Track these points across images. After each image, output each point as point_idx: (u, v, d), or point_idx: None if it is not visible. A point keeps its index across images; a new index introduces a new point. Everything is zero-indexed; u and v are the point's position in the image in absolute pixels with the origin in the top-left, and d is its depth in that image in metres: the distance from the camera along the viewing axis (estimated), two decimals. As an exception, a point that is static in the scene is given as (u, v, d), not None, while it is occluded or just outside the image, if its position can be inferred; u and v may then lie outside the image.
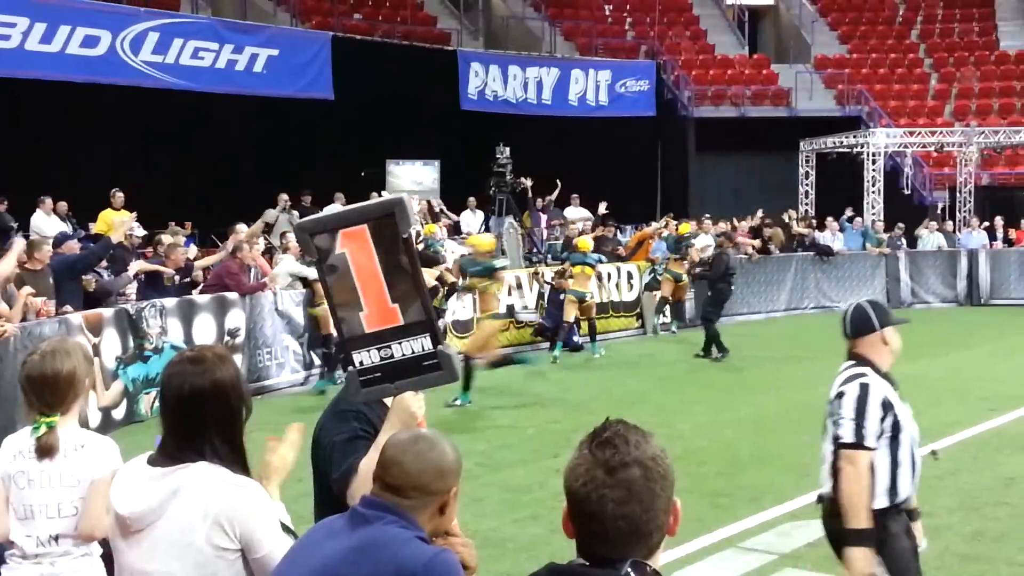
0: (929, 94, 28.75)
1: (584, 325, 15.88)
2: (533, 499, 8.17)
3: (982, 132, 24.48)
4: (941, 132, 24.97)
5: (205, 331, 11.92)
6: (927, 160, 26.51)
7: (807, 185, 25.52)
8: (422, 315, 3.18)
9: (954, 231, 23.20)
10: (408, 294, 3.17)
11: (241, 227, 13.59)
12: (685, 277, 17.10)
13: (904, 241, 22.45)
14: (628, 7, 30.53)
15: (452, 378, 3.23)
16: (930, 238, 22.59)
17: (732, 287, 15.97)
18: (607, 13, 30.42)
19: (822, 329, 17.96)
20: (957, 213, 24.27)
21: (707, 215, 20.96)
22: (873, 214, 23.56)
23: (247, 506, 2.75)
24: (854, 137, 24.75)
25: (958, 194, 24.81)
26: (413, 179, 22.76)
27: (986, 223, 23.18)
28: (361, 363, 3.19)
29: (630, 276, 17.96)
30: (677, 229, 18.31)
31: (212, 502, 2.72)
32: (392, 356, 3.18)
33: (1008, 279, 21.84)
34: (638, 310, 17.80)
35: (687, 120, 27.23)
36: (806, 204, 25.24)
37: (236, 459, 2.80)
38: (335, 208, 10.37)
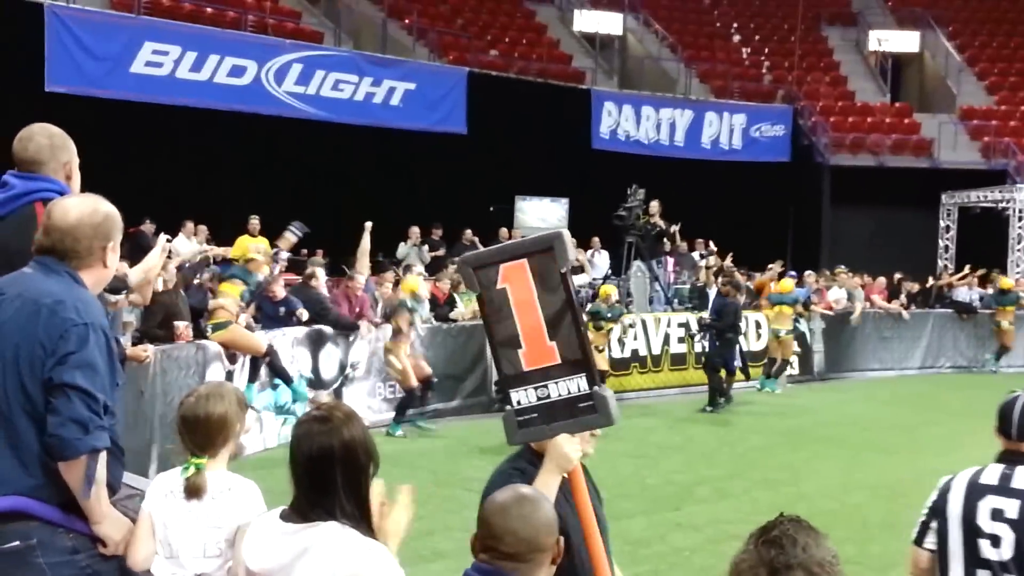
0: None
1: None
2: (653, 553, 8.00)
3: None
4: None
5: (330, 362, 12.08)
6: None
7: (947, 240, 24.68)
8: (579, 354, 3.11)
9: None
10: (566, 332, 3.11)
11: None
12: (784, 332, 16.80)
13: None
14: (766, 50, 30.16)
15: (607, 421, 3.14)
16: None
17: (740, 335, 15.78)
18: (744, 56, 30.11)
19: (958, 389, 17.44)
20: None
21: (842, 267, 20.44)
22: (1018, 273, 22.64)
23: (375, 570, 2.73)
24: (999, 192, 23.87)
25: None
26: (540, 216, 22.79)
27: None
28: (518, 403, 3.15)
29: (758, 325, 17.59)
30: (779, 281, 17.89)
31: (341, 564, 2.70)
32: (548, 396, 3.12)
33: None
34: (765, 360, 17.39)
35: (823, 167, 26.67)
36: (946, 259, 24.41)
37: (363, 518, 2.80)
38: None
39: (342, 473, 2.77)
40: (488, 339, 3.25)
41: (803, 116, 27.13)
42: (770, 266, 18.99)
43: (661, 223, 18.20)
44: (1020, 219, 23.11)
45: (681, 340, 16.68)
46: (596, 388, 3.10)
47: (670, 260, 19.52)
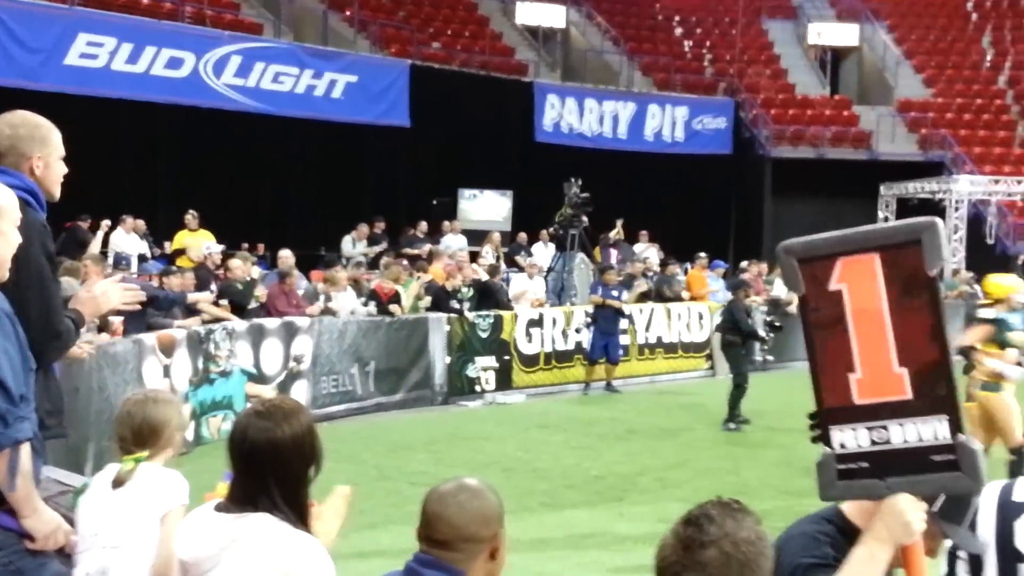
0: (1016, 141, 28.07)
1: None
2: (596, 543, 8.01)
3: (1070, 182, 23.85)
4: (1028, 181, 24.42)
5: (272, 356, 11.96)
6: (1012, 209, 25.86)
7: (886, 230, 24.99)
8: (942, 388, 2.39)
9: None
10: (923, 356, 2.39)
11: (286, 253, 13.70)
12: None
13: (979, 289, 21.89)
14: (708, 43, 30.36)
15: (975, 486, 2.43)
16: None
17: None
18: (686, 49, 30.28)
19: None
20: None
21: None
22: (955, 263, 23.01)
23: (305, 563, 2.69)
24: (936, 183, 24.23)
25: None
26: (485, 209, 22.74)
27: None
28: (843, 445, 2.47)
29: (701, 316, 17.71)
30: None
31: (269, 555, 2.67)
32: (888, 441, 2.42)
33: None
34: (708, 351, 17.52)
35: (764, 160, 26.90)
36: (884, 249, 24.70)
37: (297, 514, 2.75)
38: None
39: (277, 469, 2.73)
40: (808, 355, 2.52)
41: (744, 109, 27.35)
42: (699, 255, 19.13)
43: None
44: (956, 210, 23.49)
45: (625, 332, 16.74)
46: (961, 438, 2.39)
47: (613, 252, 19.58)
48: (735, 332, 13.51)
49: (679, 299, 17.91)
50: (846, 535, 2.61)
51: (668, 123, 25.92)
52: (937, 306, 2.38)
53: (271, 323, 12.17)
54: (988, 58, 30.67)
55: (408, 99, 21.43)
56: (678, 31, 30.91)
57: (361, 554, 6.79)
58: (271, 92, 19.85)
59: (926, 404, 2.38)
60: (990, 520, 3.14)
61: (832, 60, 31.05)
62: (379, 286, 14.09)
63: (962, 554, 3.19)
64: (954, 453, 2.38)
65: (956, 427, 2.38)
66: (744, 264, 19.93)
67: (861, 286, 2.41)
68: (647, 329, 17.05)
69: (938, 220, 2.44)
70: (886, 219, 25.16)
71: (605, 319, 15.35)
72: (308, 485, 2.80)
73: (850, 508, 2.69)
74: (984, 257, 23.31)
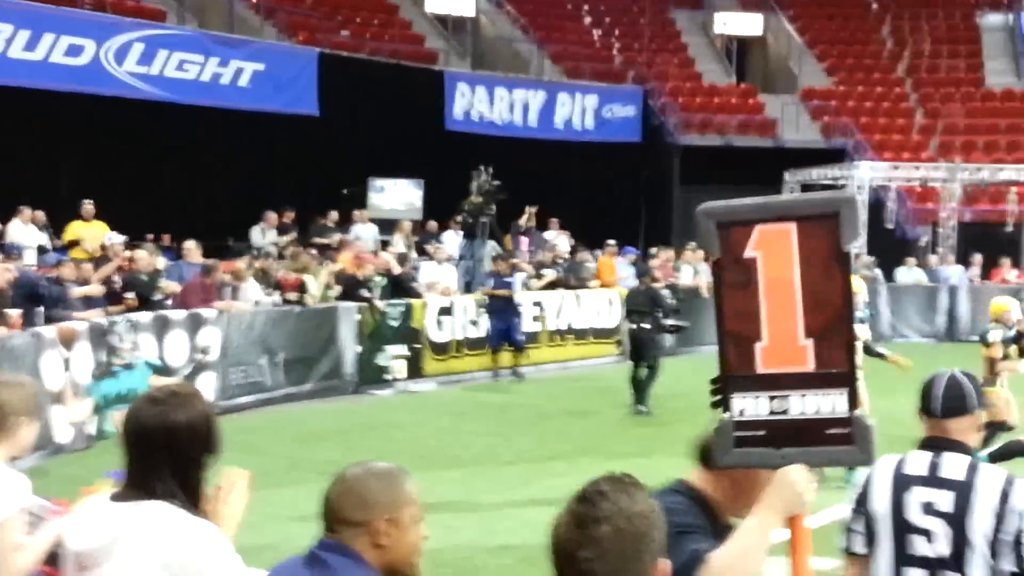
0: (914, 129, 28.85)
1: None
2: (506, 528, 8.08)
3: (966, 169, 24.55)
4: (925, 167, 25.05)
5: (177, 348, 11.78)
6: (911, 195, 26.56)
7: (791, 216, 25.47)
8: (843, 364, 2.42)
9: (932, 266, 23.25)
10: (830, 331, 2.41)
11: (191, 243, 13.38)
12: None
13: (882, 274, 22.50)
14: (617, 32, 30.58)
15: (866, 459, 2.49)
16: (910, 273, 22.67)
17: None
18: (595, 38, 30.47)
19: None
20: (939, 248, 24.30)
21: (692, 244, 20.91)
22: (857, 247, 23.56)
23: (202, 549, 2.64)
24: (839, 169, 24.77)
25: (940, 230, 24.86)
26: (396, 198, 22.63)
27: (972, 259, 23.28)
28: (742, 412, 2.47)
29: (611, 303, 17.88)
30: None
31: (164, 542, 2.62)
32: (787, 412, 2.43)
33: (987, 316, 21.83)
34: (618, 337, 17.70)
35: (673, 147, 27.22)
36: (789, 235, 25.17)
37: (192, 501, 2.71)
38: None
39: (170, 455, 2.68)
40: (716, 320, 2.52)
41: (653, 97, 27.62)
42: (608, 242, 19.31)
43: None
44: (858, 195, 24.00)
45: (538, 319, 16.85)
46: (858, 412, 2.42)
47: (524, 240, 19.66)
48: (649, 317, 13.62)
49: (589, 286, 18.07)
50: (697, 503, 2.69)
51: (578, 111, 26.07)
52: (847, 281, 2.41)
53: (176, 315, 11.99)
54: (888, 47, 31.44)
55: (317, 88, 21.20)
56: (587, 20, 31.08)
57: (271, 545, 6.74)
58: (175, 80, 19.47)
59: (827, 377, 2.40)
60: (885, 492, 3.29)
61: (738, 50, 31.52)
62: (283, 276, 13.95)
63: (857, 526, 3.33)
64: (849, 427, 2.40)
65: (853, 402, 2.41)
66: (653, 251, 20.17)
67: (776, 255, 2.41)
68: (557, 316, 17.18)
69: (855, 196, 2.43)
70: (791, 205, 25.64)
71: (498, 308, 15.43)
72: (204, 471, 2.76)
73: (697, 477, 2.77)
74: (885, 242, 23.94)
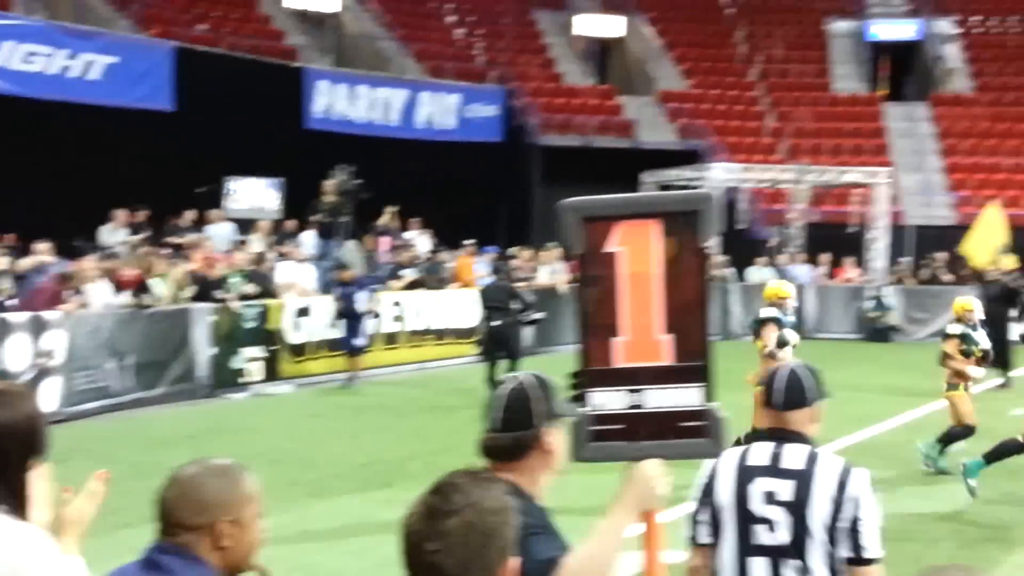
0: (766, 132, 29.81)
1: None
2: (364, 530, 8.06)
3: (814, 171, 25.48)
4: (775, 169, 25.92)
5: (19, 352, 11.38)
6: (762, 196, 27.43)
7: (648, 216, 26.00)
8: (699, 358, 2.48)
9: (781, 265, 24.04)
10: (688, 326, 2.46)
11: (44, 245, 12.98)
12: None
13: (734, 273, 23.20)
14: (479, 32, 30.71)
15: (716, 451, 2.56)
16: (760, 272, 23.42)
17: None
18: (458, 37, 30.54)
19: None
20: (788, 248, 25.16)
21: (552, 243, 21.16)
22: (710, 248, 24.20)
23: (22, 556, 2.55)
24: (694, 171, 25.40)
25: (789, 230, 25.76)
26: (254, 197, 22.26)
27: (819, 258, 24.18)
28: (599, 406, 2.48)
29: (470, 303, 17.95)
30: None
31: None
32: (644, 405, 2.46)
33: (832, 314, 22.81)
34: (477, 337, 17.80)
35: (533, 148, 27.49)
36: (647, 235, 25.69)
37: (18, 507, 2.61)
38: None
39: None
40: (577, 314, 2.53)
41: (515, 97, 27.84)
42: (466, 241, 19.41)
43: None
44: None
45: (398, 319, 16.83)
46: (712, 406, 2.47)
47: (384, 240, 19.61)
48: (506, 312, 13.71)
49: (448, 286, 18.13)
50: (522, 497, 2.63)
51: (440, 110, 26.07)
52: (704, 277, 2.50)
53: (17, 317, 11.57)
54: (742, 53, 32.39)
55: (172, 82, 20.70)
56: (450, 19, 31.13)
57: (117, 554, 6.61)
58: (21, 73, 18.73)
59: (684, 372, 2.46)
60: (729, 483, 3.35)
61: (598, 51, 32.01)
62: (121, 274, 13.54)
63: (703, 517, 3.41)
64: (704, 420, 2.46)
65: (708, 395, 2.47)
66: (513, 250, 20.35)
67: (637, 250, 2.45)
68: (416, 316, 17.19)
69: (713, 193, 2.58)
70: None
71: (345, 314, 15.23)
72: (28, 473, 2.67)
73: (506, 474, 2.70)
74: (737, 242, 24.68)
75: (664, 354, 2.46)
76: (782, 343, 9.14)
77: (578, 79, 30.84)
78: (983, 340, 10.20)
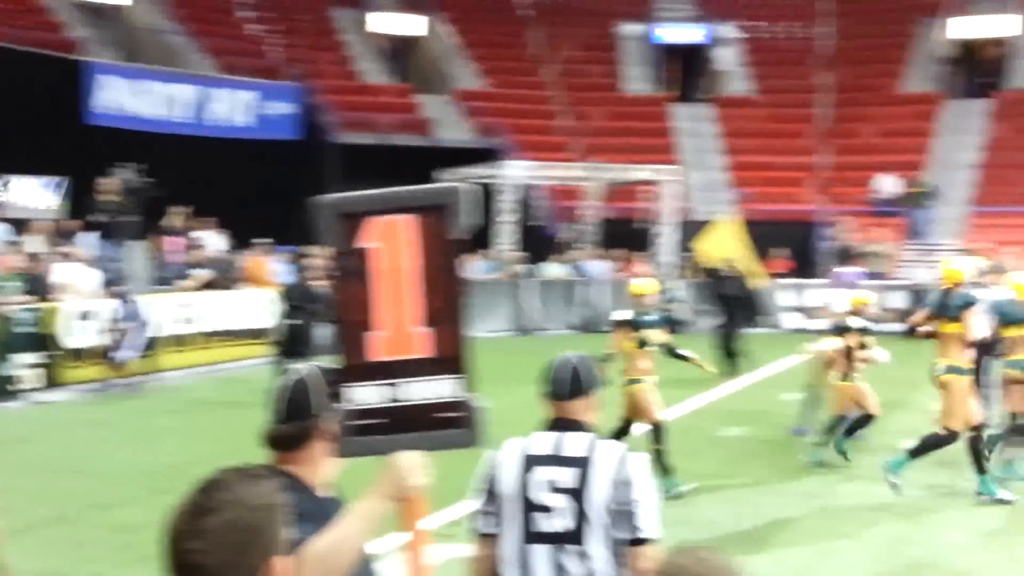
0: (560, 131, 30.48)
1: None
2: (142, 539, 7.82)
3: (606, 169, 26.22)
4: (569, 167, 26.56)
5: None
6: (557, 193, 28.03)
7: (446, 213, 26.18)
8: (455, 349, 2.49)
9: (576, 261, 24.67)
10: (444, 318, 2.47)
11: None
12: None
13: (530, 269, 23.65)
14: (274, 28, 30.19)
15: (475, 441, 2.55)
16: (556, 268, 23.98)
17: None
18: (253, 32, 29.93)
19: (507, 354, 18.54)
20: (582, 244, 25.82)
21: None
22: (505, 243, 24.61)
23: None
24: (491, 169, 25.72)
25: (582, 226, 26.44)
26: (31, 196, 21.22)
27: (612, 254, 24.91)
28: (358, 402, 2.49)
29: (264, 303, 17.67)
30: None
31: None
32: (402, 399, 2.49)
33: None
34: (272, 337, 17.52)
35: (332, 146, 27.24)
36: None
37: None
38: None
39: None
40: (336, 312, 2.54)
41: (312, 95, 27.53)
42: (260, 241, 19.13)
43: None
44: (508, 193, 25.03)
45: (189, 321, 16.40)
46: (470, 396, 2.49)
47: (175, 240, 19.07)
48: (303, 311, 13.55)
49: (240, 286, 17.80)
50: (292, 487, 2.59)
51: (235, 108, 25.52)
52: (458, 270, 2.49)
53: None
54: (537, 53, 33.00)
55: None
56: (244, 14, 30.48)
57: None
58: None
59: (441, 363, 2.48)
60: (512, 473, 3.41)
61: (397, 49, 32.00)
62: None
63: (486, 507, 3.46)
64: (462, 411, 2.50)
65: (466, 386, 2.50)
66: (311, 249, 20.06)
67: (391, 245, 2.46)
68: (207, 317, 16.79)
69: (461, 185, 2.57)
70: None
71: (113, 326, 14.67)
72: None
73: (280, 461, 2.77)
74: (532, 239, 25.18)
75: (421, 347, 2.49)
76: (643, 344, 9.13)
77: (376, 77, 30.77)
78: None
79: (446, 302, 2.49)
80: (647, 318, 9.42)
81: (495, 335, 21.44)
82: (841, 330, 10.37)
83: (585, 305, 23.36)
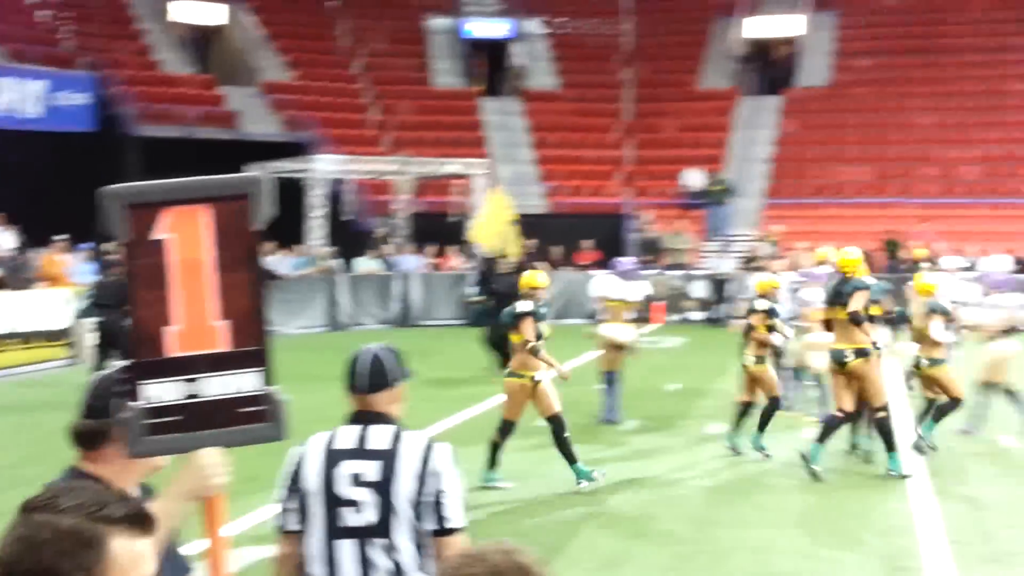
0: (370, 124, 30.27)
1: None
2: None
3: (416, 163, 26.21)
4: (379, 161, 26.42)
5: None
6: (367, 187, 27.84)
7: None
8: (257, 342, 2.42)
9: (388, 256, 24.59)
10: (244, 311, 2.40)
11: None
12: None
13: (341, 264, 23.43)
14: (65, 15, 28.78)
15: (280, 434, 2.48)
16: (368, 263, 23.82)
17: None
18: (41, 19, 28.46)
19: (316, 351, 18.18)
20: (394, 239, 25.73)
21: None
22: (316, 239, 24.28)
23: None
24: (300, 163, 25.32)
25: (394, 220, 26.35)
26: None
27: (424, 248, 24.92)
28: (153, 399, 2.39)
29: (61, 302, 16.88)
30: None
31: None
32: (201, 394, 2.40)
33: (438, 301, 23.60)
34: (70, 339, 16.77)
35: (132, 139, 26.21)
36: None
37: None
38: None
39: None
40: (129, 307, 2.43)
41: (108, 85, 26.41)
42: (56, 237, 18.30)
43: None
44: (318, 188, 24.71)
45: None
46: (272, 389, 2.43)
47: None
48: (120, 309, 13.04)
49: (34, 285, 16.94)
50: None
51: (23, 97, 24.23)
52: (257, 261, 2.44)
53: None
54: (345, 46, 32.66)
55: None
56: (34, 0, 28.96)
57: None
58: None
59: (241, 357, 2.42)
60: (316, 468, 3.36)
61: (200, 39, 31.04)
62: None
63: (291, 504, 3.39)
64: (264, 404, 2.44)
65: (267, 379, 2.44)
66: (110, 246, 19.29)
67: (187, 237, 2.37)
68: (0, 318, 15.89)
69: (263, 175, 2.50)
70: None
71: None
72: None
73: (83, 461, 2.68)
74: (343, 233, 24.94)
75: (220, 341, 2.41)
76: (539, 336, 9.04)
77: (177, 67, 29.81)
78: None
79: (245, 294, 2.42)
80: (543, 311, 9.41)
81: (308, 331, 21.13)
82: (749, 312, 10.57)
83: (399, 300, 23.30)
